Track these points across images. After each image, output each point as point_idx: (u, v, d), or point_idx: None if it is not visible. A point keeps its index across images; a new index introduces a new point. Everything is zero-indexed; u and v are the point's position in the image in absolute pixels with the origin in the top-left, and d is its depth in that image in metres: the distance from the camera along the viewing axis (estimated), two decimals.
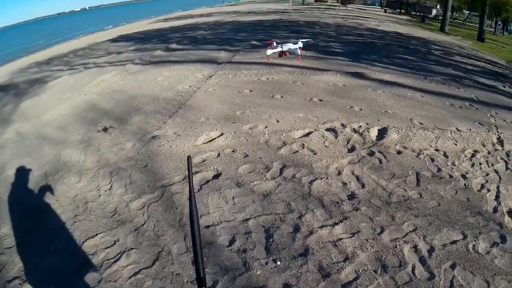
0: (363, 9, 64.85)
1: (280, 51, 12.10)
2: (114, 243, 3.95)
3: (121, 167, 5.59)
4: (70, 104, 9.08)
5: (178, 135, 6.48)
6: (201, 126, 6.82)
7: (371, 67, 12.09)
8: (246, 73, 10.36)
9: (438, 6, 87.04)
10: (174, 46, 16.90)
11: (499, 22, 62.82)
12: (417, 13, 74.80)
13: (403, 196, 4.64)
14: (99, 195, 4.94)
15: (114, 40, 23.53)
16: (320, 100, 8.12)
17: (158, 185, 4.98)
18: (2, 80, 14.68)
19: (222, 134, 6.37)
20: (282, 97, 8.28)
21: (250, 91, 8.66)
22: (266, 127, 6.62)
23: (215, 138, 6.26)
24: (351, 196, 4.65)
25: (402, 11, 70.60)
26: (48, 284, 3.49)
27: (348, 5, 55.95)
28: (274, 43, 12.09)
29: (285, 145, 5.92)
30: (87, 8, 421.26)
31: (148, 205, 4.58)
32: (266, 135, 6.25)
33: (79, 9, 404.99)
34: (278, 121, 6.87)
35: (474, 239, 3.86)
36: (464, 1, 70.63)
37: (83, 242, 4.01)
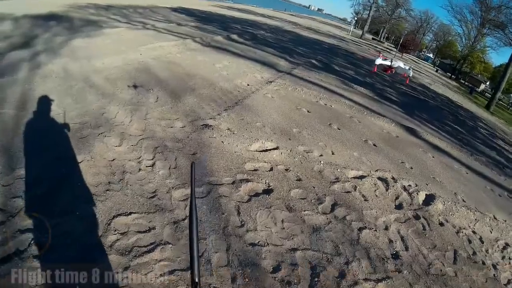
0: (416, 62, 64.97)
1: (388, 66, 11.40)
2: (149, 230, 3.60)
3: (167, 146, 5.29)
4: (123, 59, 8.86)
5: (233, 132, 6.20)
6: (256, 131, 6.54)
7: (423, 126, 12.03)
8: (305, 91, 10.11)
9: (487, 83, 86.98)
10: (235, 37, 16.77)
11: None
12: (466, 83, 74.64)
13: (441, 270, 4.52)
14: (139, 169, 4.59)
15: (175, 10, 23.45)
16: (375, 145, 7.92)
17: (205, 180, 4.65)
18: (58, 10, 14.54)
19: (277, 147, 6.08)
20: (339, 129, 8.04)
21: (308, 112, 8.41)
22: (321, 155, 6.34)
23: (270, 150, 5.98)
24: (395, 256, 4.48)
25: (453, 76, 70.55)
26: (65, 250, 3.13)
27: (404, 54, 56.10)
28: (380, 59, 11.56)
29: (339, 181, 5.64)
30: None
31: None
32: (321, 165, 5.97)
33: None
34: (333, 153, 6.59)
35: None
36: None
37: (113, 216, 3.64)
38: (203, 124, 6.26)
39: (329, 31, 50.96)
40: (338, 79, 13.76)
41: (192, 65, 9.64)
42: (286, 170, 5.48)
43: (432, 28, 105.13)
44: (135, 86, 7.22)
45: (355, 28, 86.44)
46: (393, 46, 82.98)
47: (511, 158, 14.99)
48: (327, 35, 41.24)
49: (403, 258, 4.48)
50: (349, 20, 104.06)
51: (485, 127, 20.75)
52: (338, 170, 5.99)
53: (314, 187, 5.26)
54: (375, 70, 10.85)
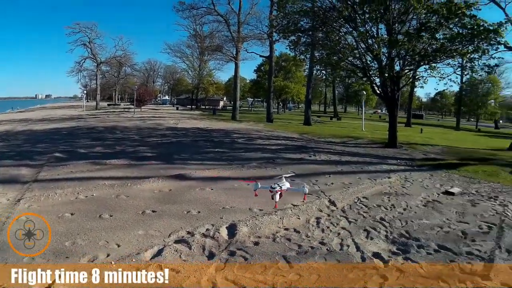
0: (157, 109, 67.98)
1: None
2: None
3: None
4: None
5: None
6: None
7: (188, 166, 12.47)
8: (60, 193, 8.82)
9: (224, 98, 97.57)
10: None
11: (280, 103, 75.56)
12: (207, 107, 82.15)
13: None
14: None
15: None
16: (154, 211, 7.60)
17: None
18: None
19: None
20: (111, 215, 7.31)
21: (72, 214, 7.32)
22: (108, 255, 5.58)
23: (51, 284, 4.96)
24: None
25: (193, 107, 76.76)
26: None
27: (142, 107, 58.08)
28: (259, 184, 7.53)
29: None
30: None
31: None
32: (113, 265, 5.29)
33: None
34: (119, 246, 5.88)
35: None
36: (247, 91, 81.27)
37: None
38: None
39: (64, 115, 48.19)
40: (89, 162, 12.82)
41: None
42: None
43: (159, 73, 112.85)
44: None
45: (87, 101, 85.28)
46: (129, 103, 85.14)
47: (274, 149, 17.29)
48: (64, 120, 38.92)
49: None
50: (79, 96, 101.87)
51: (240, 136, 23.16)
52: (133, 260, 5.42)
53: None
54: (256, 194, 8.06)
